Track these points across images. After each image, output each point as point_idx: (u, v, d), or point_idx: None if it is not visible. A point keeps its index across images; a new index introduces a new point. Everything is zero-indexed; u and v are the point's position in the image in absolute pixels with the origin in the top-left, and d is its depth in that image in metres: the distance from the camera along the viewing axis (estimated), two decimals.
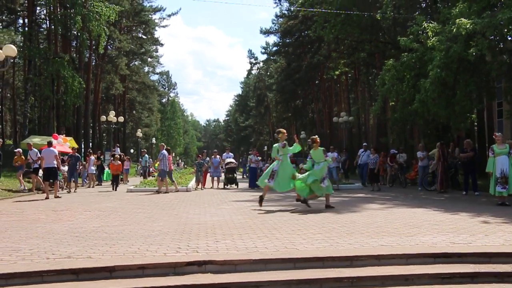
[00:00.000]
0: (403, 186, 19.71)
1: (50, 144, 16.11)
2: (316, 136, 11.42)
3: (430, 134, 21.66)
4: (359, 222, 8.36)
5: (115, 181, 20.21)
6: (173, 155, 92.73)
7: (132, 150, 55.96)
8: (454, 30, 14.73)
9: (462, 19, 14.68)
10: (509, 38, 15.99)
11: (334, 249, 5.81)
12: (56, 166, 15.55)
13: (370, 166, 18.60)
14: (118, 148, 26.07)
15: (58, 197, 14.98)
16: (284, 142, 11.17)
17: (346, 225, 7.94)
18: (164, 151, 18.47)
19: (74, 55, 36.62)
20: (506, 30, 14.25)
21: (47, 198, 14.61)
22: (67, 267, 4.98)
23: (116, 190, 19.23)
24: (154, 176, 27.16)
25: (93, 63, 43.13)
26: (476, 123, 22.54)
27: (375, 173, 18.22)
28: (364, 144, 21.96)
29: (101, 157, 24.89)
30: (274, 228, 7.67)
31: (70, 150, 20.83)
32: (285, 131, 11.34)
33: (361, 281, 4.92)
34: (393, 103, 22.35)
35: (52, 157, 15.42)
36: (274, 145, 11.24)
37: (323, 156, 10.90)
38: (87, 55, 39.79)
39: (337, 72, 42.90)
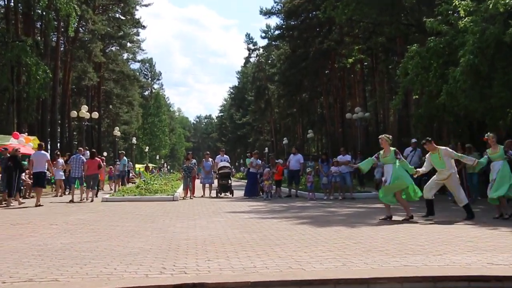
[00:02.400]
0: None
1: (41, 147, 17.62)
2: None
3: (462, 133, 21.62)
4: (378, 237, 8.32)
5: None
6: (157, 157, 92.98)
7: (105, 153, 55.91)
8: (491, 6, 14.68)
9: None
10: None
11: (347, 270, 5.77)
12: (45, 171, 16.94)
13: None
14: (88, 152, 26.00)
15: (40, 205, 15.93)
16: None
17: (362, 241, 7.90)
18: (78, 155, 19.55)
19: (39, 38, 36.57)
20: None
21: (40, 205, 15.90)
22: None
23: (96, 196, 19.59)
24: (135, 183, 27.14)
25: (62, 48, 43.06)
26: None
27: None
28: (414, 140, 18.92)
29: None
30: (277, 244, 7.62)
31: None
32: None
33: None
34: (417, 96, 22.33)
35: (43, 162, 16.77)
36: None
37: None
38: (54, 38, 39.77)
39: (350, 60, 43.02)
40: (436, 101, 18.50)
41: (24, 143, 22.60)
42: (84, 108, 35.26)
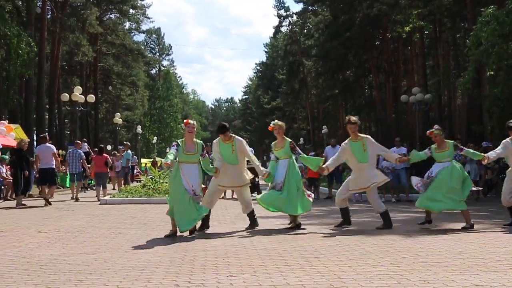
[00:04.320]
0: None
1: (45, 139, 19.04)
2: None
3: None
4: (441, 249, 8.26)
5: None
6: (167, 150, 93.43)
7: (109, 147, 56.54)
8: None
9: None
10: None
11: None
12: (53, 167, 18.39)
13: None
14: (86, 145, 26.39)
15: (49, 203, 17.61)
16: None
17: (422, 253, 7.87)
18: (75, 150, 21.61)
19: (20, 3, 36.86)
20: None
21: (47, 204, 17.62)
22: None
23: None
24: (140, 181, 27.38)
25: (49, 16, 43.33)
26: None
27: None
28: None
29: (63, 153, 25.17)
30: (315, 256, 7.65)
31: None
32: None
33: None
34: (492, 72, 22.01)
35: (49, 156, 18.19)
36: None
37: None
38: (40, 3, 40.02)
39: (407, 29, 42.52)
40: None
41: (5, 133, 22.91)
42: (78, 90, 35.56)
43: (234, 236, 9.91)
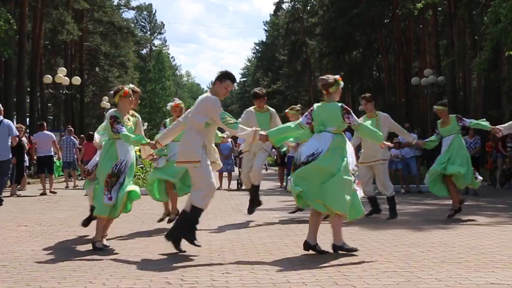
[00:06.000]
0: None
1: (42, 126, 20.36)
2: None
3: None
4: (454, 245, 8.29)
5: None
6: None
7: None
8: None
9: None
10: None
11: None
12: (52, 154, 19.73)
13: None
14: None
15: (53, 192, 18.84)
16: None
17: (433, 249, 7.89)
18: (68, 137, 22.83)
19: None
20: None
21: (43, 194, 18.32)
22: None
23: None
24: None
25: None
26: None
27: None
28: None
29: None
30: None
31: None
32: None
33: None
34: (511, 52, 22.01)
35: (49, 143, 19.44)
36: None
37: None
38: None
39: (419, 5, 42.38)
40: None
41: None
42: (62, 72, 35.50)
43: (231, 230, 9.93)
